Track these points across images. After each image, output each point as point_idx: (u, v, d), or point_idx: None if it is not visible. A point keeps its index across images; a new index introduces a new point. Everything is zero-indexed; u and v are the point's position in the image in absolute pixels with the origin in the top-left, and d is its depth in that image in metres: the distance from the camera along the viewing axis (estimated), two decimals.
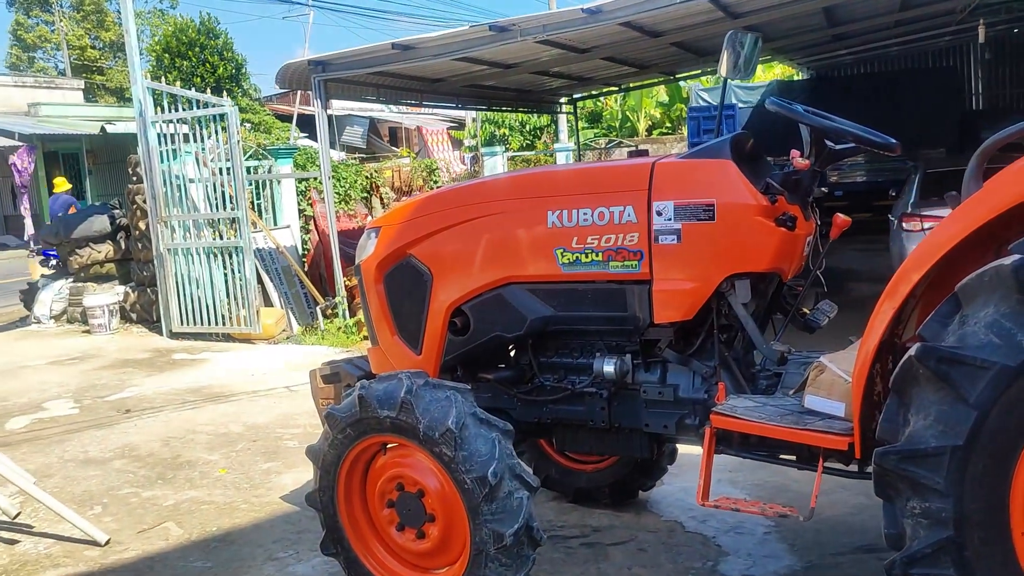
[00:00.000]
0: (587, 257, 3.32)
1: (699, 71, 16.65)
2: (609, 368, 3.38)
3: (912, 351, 2.29)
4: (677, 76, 17.34)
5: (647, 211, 3.20)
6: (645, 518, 4.36)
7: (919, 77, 17.80)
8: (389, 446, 3.35)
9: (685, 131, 25.75)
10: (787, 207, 3.12)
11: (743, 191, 3.08)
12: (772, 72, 24.90)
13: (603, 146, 23.87)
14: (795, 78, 22.26)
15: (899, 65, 19.93)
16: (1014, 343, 2.12)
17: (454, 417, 3.07)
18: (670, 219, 3.17)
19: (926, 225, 8.07)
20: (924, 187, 9.13)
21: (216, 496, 5.02)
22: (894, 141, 3.13)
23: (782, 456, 3.16)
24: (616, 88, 17.92)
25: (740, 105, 18.67)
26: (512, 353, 3.76)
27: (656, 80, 18.23)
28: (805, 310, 3.54)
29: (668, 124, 26.34)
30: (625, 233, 3.24)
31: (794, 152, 3.27)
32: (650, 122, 25.76)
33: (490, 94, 14.47)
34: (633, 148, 23.22)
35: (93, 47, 45.87)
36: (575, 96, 17.79)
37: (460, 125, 32.39)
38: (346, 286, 10.01)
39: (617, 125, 25.87)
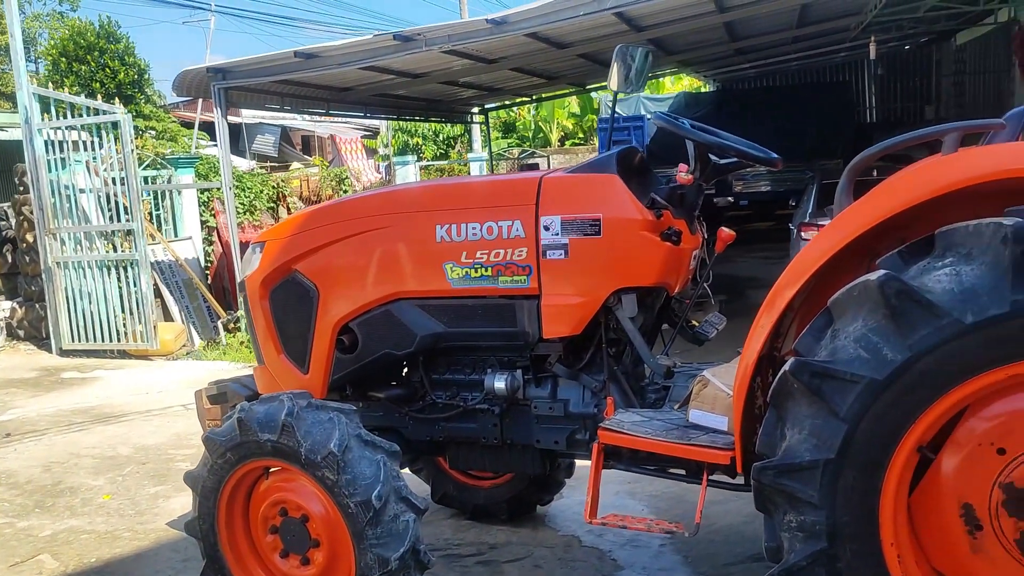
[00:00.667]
0: (476, 272, 3.26)
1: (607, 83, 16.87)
2: (500, 384, 3.33)
3: (787, 365, 2.30)
4: (587, 87, 17.53)
5: (535, 226, 3.17)
6: (542, 533, 4.32)
7: (817, 91, 18.37)
8: (272, 470, 3.22)
9: (596, 141, 26.15)
10: (672, 221, 3.12)
11: (629, 206, 3.07)
12: (680, 84, 25.44)
13: (516, 156, 23.97)
14: (702, 90, 22.76)
15: (798, 79, 20.60)
16: (880, 356, 2.15)
17: (337, 439, 2.97)
18: (557, 234, 3.14)
19: None
20: (820, 197, 9.40)
21: (98, 524, 4.78)
22: (776, 156, 3.17)
23: (670, 470, 3.16)
24: (527, 99, 18.03)
25: (648, 116, 18.95)
26: (403, 370, 3.67)
27: (566, 91, 18.40)
28: (694, 322, 3.56)
29: (580, 135, 26.62)
30: (514, 248, 3.20)
31: (681, 166, 3.28)
32: (563, 132, 25.99)
33: (400, 103, 14.36)
34: (525, 162, 23.41)
35: None
36: (487, 106, 17.81)
37: (375, 133, 32.09)
38: None
39: (530, 135, 26.04)
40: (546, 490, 4.37)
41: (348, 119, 33.49)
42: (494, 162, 19.86)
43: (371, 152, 31.45)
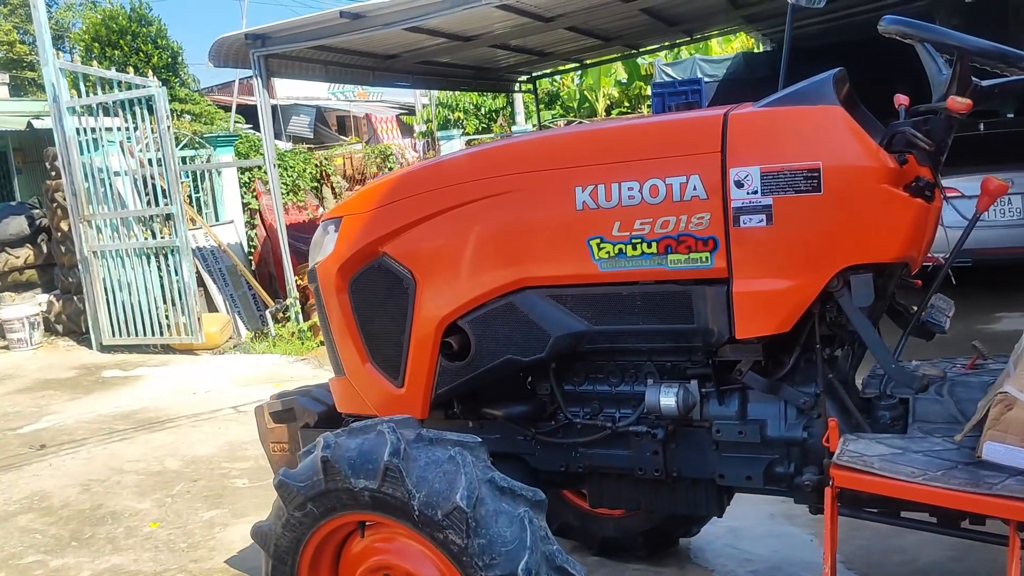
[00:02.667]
0: (635, 249, 2.38)
1: (661, 44, 15.88)
2: (668, 400, 2.46)
3: None
4: (640, 50, 16.49)
5: (721, 182, 2.28)
6: (691, 573, 3.46)
7: (889, 44, 17.11)
8: (369, 524, 2.39)
9: (645, 109, 25.05)
10: (918, 169, 2.22)
11: (861, 148, 2.17)
12: (731, 46, 24.20)
13: (561, 127, 22.97)
14: (755, 51, 21.53)
15: (867, 34, 19.28)
16: None
17: (464, 489, 2.12)
18: (755, 192, 2.25)
19: None
20: None
21: (144, 563, 4.01)
22: None
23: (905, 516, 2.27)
24: (576, 64, 17.01)
25: (706, 79, 17.85)
26: (528, 380, 2.81)
27: (616, 56, 17.35)
28: (913, 308, 2.65)
29: (627, 103, 25.50)
30: (690, 214, 2.31)
31: (899, 98, 2.39)
32: (608, 101, 24.89)
33: (445, 72, 13.45)
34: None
35: (22, 42, 43.61)
36: (534, 74, 16.85)
37: (410, 111, 31.25)
38: (298, 286, 8.96)
39: (575, 105, 24.98)
40: (692, 519, 3.50)
41: (383, 99, 32.91)
42: None
43: (407, 130, 30.68)
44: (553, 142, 2.62)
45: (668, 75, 18.89)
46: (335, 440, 2.33)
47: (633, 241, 2.38)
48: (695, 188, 2.30)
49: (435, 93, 22.05)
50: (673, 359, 2.56)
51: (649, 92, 24.90)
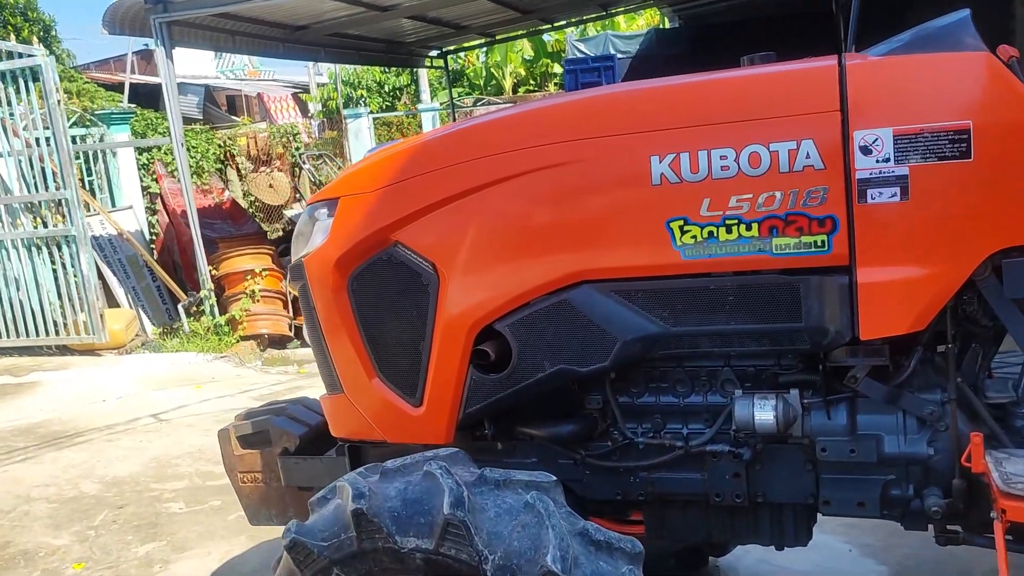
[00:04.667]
0: (729, 232, 1.94)
1: (570, 20, 15.57)
2: (765, 414, 2.02)
3: None
4: (554, 24, 16.12)
5: (843, 147, 1.85)
6: None
7: (804, 21, 17.25)
8: None
9: (552, 88, 24.73)
10: None
11: (1021, 105, 1.77)
12: (635, 23, 24.08)
13: (469, 106, 22.38)
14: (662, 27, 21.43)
15: (780, 11, 19.47)
16: None
17: (555, 547, 1.64)
18: (887, 159, 1.83)
19: None
20: None
21: None
22: None
23: None
24: (486, 40, 16.47)
25: (619, 55, 17.59)
26: (574, 391, 2.32)
27: (529, 30, 16.96)
28: None
29: (533, 81, 25.09)
30: (802, 188, 1.88)
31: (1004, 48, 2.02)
32: (515, 79, 24.43)
33: (356, 45, 12.73)
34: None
35: None
36: (445, 49, 16.24)
37: (305, 90, 30.04)
38: (212, 276, 8.20)
39: (482, 83, 24.42)
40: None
41: (276, 79, 31.62)
42: (455, 112, 18.31)
43: (305, 109, 29.51)
44: (621, 100, 2.13)
45: (580, 51, 18.53)
46: (367, 485, 1.80)
47: (727, 222, 1.93)
48: (808, 156, 1.87)
49: (336, 71, 21.09)
50: (764, 364, 2.13)
51: (556, 70, 24.67)
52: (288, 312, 8.35)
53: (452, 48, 16.52)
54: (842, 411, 2.07)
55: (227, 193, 12.02)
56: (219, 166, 12.19)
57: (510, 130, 2.15)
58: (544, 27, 16.55)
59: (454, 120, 18.11)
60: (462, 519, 1.67)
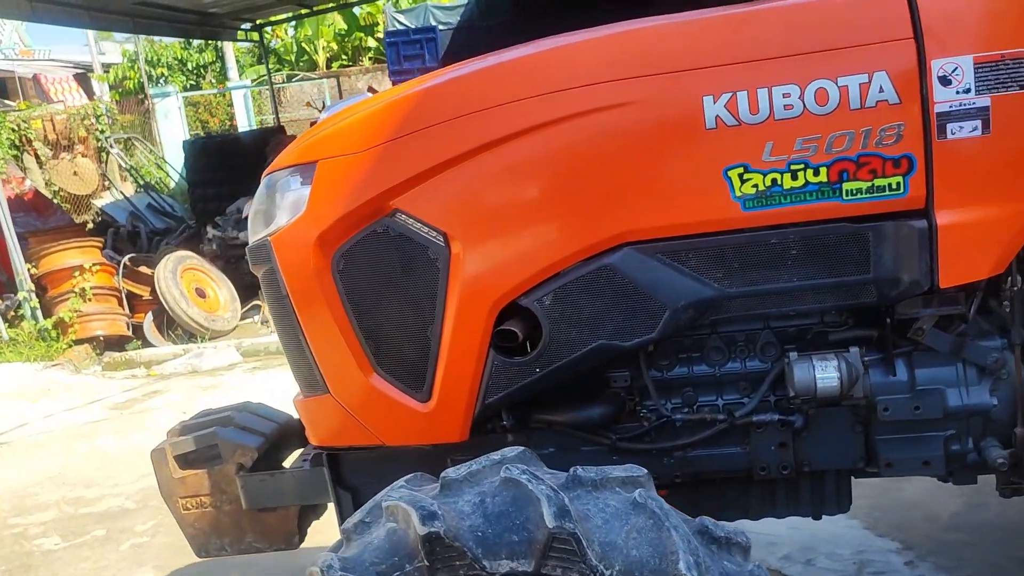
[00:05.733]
0: (795, 179, 1.75)
1: None
2: (828, 376, 1.86)
3: None
4: None
5: (919, 79, 1.69)
6: None
7: None
8: None
9: (367, 62, 24.05)
10: None
11: None
12: None
13: (282, 82, 21.32)
14: None
15: None
16: None
17: (685, 551, 1.39)
18: (968, 90, 1.69)
19: None
20: None
21: None
22: None
23: None
24: (307, 10, 15.67)
25: (440, 27, 17.26)
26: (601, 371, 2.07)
27: (345, 1, 16.32)
28: None
29: (346, 55, 24.27)
30: (875, 125, 1.71)
31: None
32: (329, 54, 23.52)
33: (166, 16, 11.70)
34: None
35: None
36: (260, 21, 15.31)
37: (89, 70, 27.59)
38: (32, 276, 7.25)
39: (292, 59, 23.33)
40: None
41: (53, 58, 28.98)
42: (274, 89, 17.38)
43: (91, 90, 27.16)
44: (664, 33, 1.87)
45: (400, 23, 18.05)
46: (434, 503, 1.48)
47: (793, 168, 1.74)
48: (881, 90, 1.70)
49: (139, 47, 19.45)
50: (807, 323, 1.97)
51: (370, 43, 23.99)
52: (124, 309, 7.54)
53: (267, 20, 15.61)
54: (903, 367, 1.93)
55: (28, 183, 10.75)
56: (15, 153, 10.86)
57: (533, 72, 1.85)
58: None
59: (273, 96, 17.22)
60: (572, 531, 1.39)
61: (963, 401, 1.92)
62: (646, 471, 1.58)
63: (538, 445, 2.08)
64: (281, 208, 1.97)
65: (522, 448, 1.61)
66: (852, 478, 2.15)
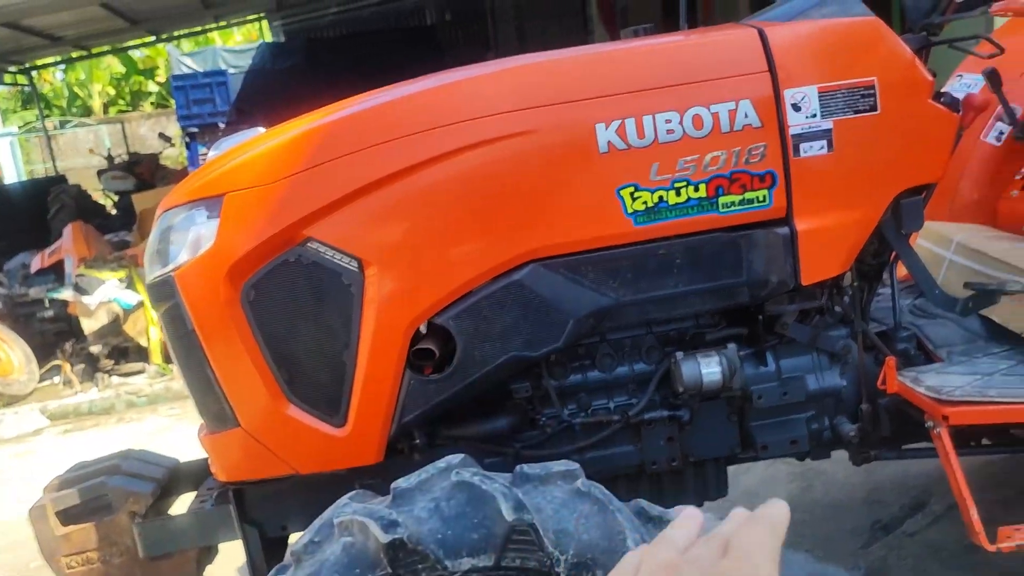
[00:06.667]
0: (679, 195, 1.96)
1: (192, 29, 14.65)
2: (711, 371, 2.07)
3: None
4: (163, 36, 14.98)
5: (776, 106, 1.96)
6: None
7: (405, 36, 17.95)
8: None
9: (148, 107, 23.02)
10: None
11: (908, 61, 2.03)
12: (231, 38, 23.25)
13: (55, 128, 19.92)
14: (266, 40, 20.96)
15: (382, 24, 20.05)
16: None
17: (631, 529, 1.53)
18: (814, 115, 1.98)
19: None
20: None
21: None
22: None
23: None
24: (81, 54, 14.81)
25: (231, 71, 16.83)
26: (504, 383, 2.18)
27: (124, 44, 15.60)
28: None
29: (123, 100, 23.08)
30: (743, 146, 1.96)
31: None
32: (106, 99, 22.27)
33: None
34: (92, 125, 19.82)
35: None
36: (29, 64, 14.31)
37: None
38: None
39: (65, 104, 21.89)
40: None
41: None
42: (49, 133, 16.23)
43: None
44: (560, 66, 2.03)
45: (188, 66, 17.43)
46: (388, 512, 1.53)
47: (676, 185, 1.96)
48: (746, 116, 1.96)
49: None
50: (685, 326, 2.19)
51: (151, 87, 22.98)
52: None
53: (35, 64, 14.61)
54: (771, 358, 2.19)
55: None
56: None
57: (442, 103, 1.96)
58: (142, 40, 15.33)
59: (48, 143, 16.07)
60: (530, 521, 1.49)
61: (820, 384, 2.21)
62: (578, 465, 1.71)
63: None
64: (184, 243, 1.95)
65: (464, 455, 1.69)
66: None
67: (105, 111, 22.06)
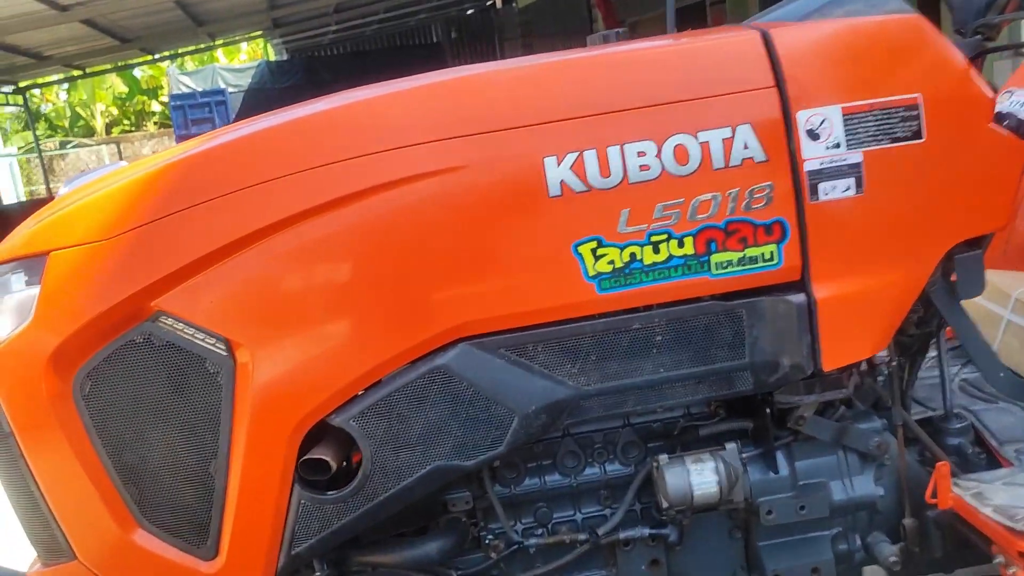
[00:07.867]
0: (657, 252, 1.46)
1: (188, 47, 14.34)
2: (706, 480, 1.58)
3: None
4: (156, 56, 14.67)
5: (785, 132, 1.47)
6: None
7: (410, 54, 17.68)
8: None
9: (151, 127, 22.79)
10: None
11: (963, 73, 1.53)
12: (235, 56, 23.03)
13: (55, 149, 19.64)
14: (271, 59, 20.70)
15: (386, 43, 19.87)
16: None
17: None
18: (838, 145, 1.48)
19: None
20: None
21: None
22: None
23: None
24: (78, 72, 14.50)
25: (231, 89, 16.53)
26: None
27: (122, 63, 15.29)
28: None
29: (128, 120, 22.81)
30: (743, 187, 1.46)
31: None
32: (109, 119, 22.00)
33: None
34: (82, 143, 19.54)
35: None
36: (23, 84, 14.01)
37: None
38: None
39: (67, 124, 21.63)
40: None
41: None
42: (42, 157, 15.93)
43: None
44: (495, 82, 1.54)
45: (187, 86, 17.12)
46: None
47: (653, 240, 1.46)
48: (746, 146, 1.46)
49: None
50: (672, 417, 1.69)
51: (155, 107, 22.75)
52: None
53: (33, 83, 14.31)
54: (784, 461, 1.68)
55: None
56: None
57: (334, 133, 1.47)
58: (143, 59, 15.03)
59: (43, 165, 15.76)
60: None
61: (848, 494, 1.69)
62: None
63: None
64: (0, 314, 1.48)
65: None
66: None
67: (108, 131, 21.78)
